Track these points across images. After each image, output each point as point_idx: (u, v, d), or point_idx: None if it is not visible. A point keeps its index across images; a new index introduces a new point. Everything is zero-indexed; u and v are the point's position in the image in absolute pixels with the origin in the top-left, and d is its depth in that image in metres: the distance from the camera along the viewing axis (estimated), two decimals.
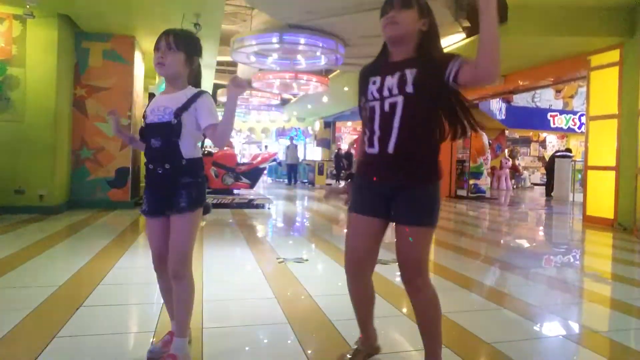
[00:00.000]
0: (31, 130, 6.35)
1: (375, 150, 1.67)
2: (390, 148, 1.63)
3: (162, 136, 1.86)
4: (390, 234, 1.76)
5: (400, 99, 1.61)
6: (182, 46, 1.89)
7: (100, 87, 7.27)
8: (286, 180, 16.57)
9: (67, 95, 7.00)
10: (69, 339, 2.14)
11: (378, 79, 1.67)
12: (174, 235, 1.88)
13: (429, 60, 1.62)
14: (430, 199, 1.67)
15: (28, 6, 5.80)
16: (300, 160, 17.42)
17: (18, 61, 6.33)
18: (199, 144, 1.99)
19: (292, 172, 16.31)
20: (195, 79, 1.99)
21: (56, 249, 4.23)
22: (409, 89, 1.59)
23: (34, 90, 6.37)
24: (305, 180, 16.65)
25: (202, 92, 1.91)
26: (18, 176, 6.29)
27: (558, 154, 13.90)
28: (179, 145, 1.86)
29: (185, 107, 1.86)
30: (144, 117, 1.93)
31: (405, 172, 1.64)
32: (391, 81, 1.63)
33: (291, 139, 17.48)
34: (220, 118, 1.86)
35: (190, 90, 1.92)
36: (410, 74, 1.60)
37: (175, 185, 1.87)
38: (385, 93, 1.64)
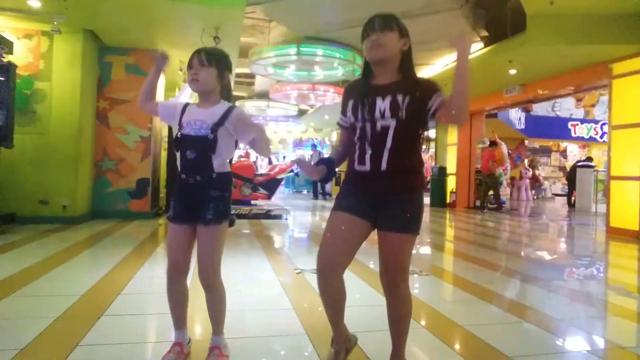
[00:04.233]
0: (56, 142, 6.52)
1: (366, 167, 1.75)
2: (383, 165, 1.72)
3: (197, 149, 1.93)
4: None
5: (393, 123, 1.70)
6: (214, 62, 1.98)
7: (122, 100, 7.43)
8: (309, 192, 15.15)
9: (91, 108, 7.18)
10: (90, 348, 2.17)
11: (369, 101, 1.75)
12: (202, 247, 1.96)
13: (415, 86, 1.73)
14: (416, 208, 1.78)
15: (55, 22, 5.99)
16: None
17: (45, 75, 6.53)
18: (229, 160, 2.05)
19: (317, 183, 14.69)
20: (227, 94, 2.07)
21: (78, 259, 4.32)
22: (402, 114, 1.69)
23: (59, 104, 6.56)
24: (321, 191, 16.59)
25: (234, 107, 2.00)
26: (42, 187, 6.45)
27: (580, 163, 13.64)
28: (212, 158, 1.94)
29: (220, 122, 1.94)
30: (180, 126, 1.99)
31: (396, 185, 1.74)
32: (382, 104, 1.72)
33: (314, 146, 16.89)
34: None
35: (223, 106, 2.00)
36: (401, 99, 1.70)
37: (204, 197, 1.94)
38: (377, 115, 1.72)
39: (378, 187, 1.75)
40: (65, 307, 2.74)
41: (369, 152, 1.73)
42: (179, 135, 1.98)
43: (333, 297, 1.85)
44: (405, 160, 1.74)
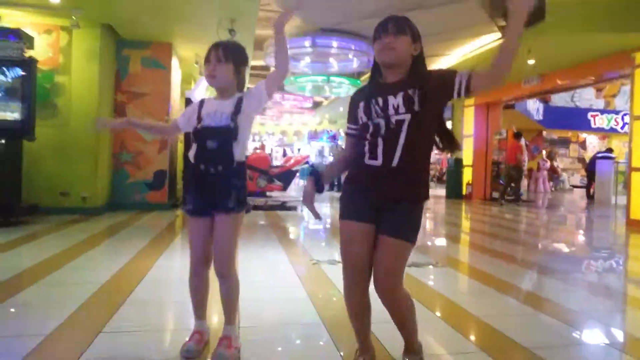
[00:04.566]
0: (75, 134, 6.64)
1: (378, 162, 1.71)
2: (395, 161, 1.68)
3: (219, 139, 1.96)
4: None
5: (407, 117, 1.68)
6: (231, 58, 2.00)
7: (140, 93, 7.52)
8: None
9: (109, 101, 7.29)
10: (112, 335, 2.23)
11: (380, 100, 1.72)
12: (220, 235, 1.98)
13: (428, 79, 1.72)
14: (418, 218, 1.78)
15: (74, 17, 6.08)
16: None
17: (64, 69, 6.65)
18: (246, 149, 2.10)
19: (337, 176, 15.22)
20: (241, 87, 2.09)
21: (99, 249, 4.42)
22: (417, 107, 1.67)
23: (78, 97, 6.67)
24: (336, 183, 16.61)
25: (245, 93, 2.05)
26: (63, 179, 6.59)
27: (600, 155, 13.39)
28: (233, 147, 1.97)
29: (237, 110, 1.98)
30: (199, 119, 2.01)
31: (405, 186, 1.71)
32: (395, 100, 1.70)
33: (333, 138, 16.75)
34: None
35: (238, 95, 2.04)
36: (414, 93, 1.68)
37: (225, 187, 1.97)
38: (391, 111, 1.69)
39: (383, 189, 1.72)
40: (87, 296, 2.81)
41: (381, 146, 1.70)
42: (198, 127, 2.00)
43: (364, 310, 1.82)
44: (416, 159, 1.72)
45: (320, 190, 1.88)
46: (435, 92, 1.69)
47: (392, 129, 1.69)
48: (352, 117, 1.85)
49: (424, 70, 1.77)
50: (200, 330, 2.10)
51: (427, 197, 1.79)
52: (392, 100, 1.70)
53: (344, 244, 1.79)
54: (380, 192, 1.73)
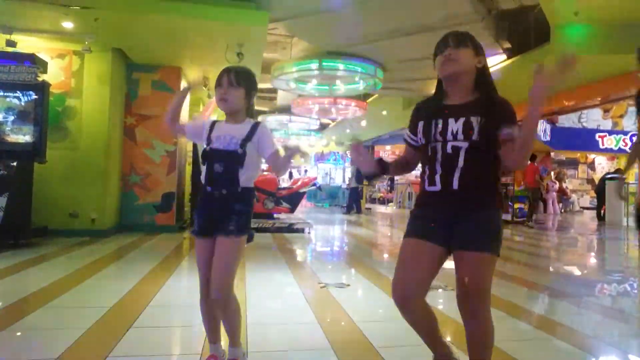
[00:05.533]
0: (85, 157, 6.71)
1: (437, 187, 1.67)
2: (455, 185, 1.64)
3: (226, 163, 1.98)
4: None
5: (465, 145, 1.63)
6: (243, 82, 2.04)
7: (149, 116, 7.62)
8: (333, 205, 15.48)
9: (119, 124, 7.39)
10: (120, 359, 2.21)
11: (440, 122, 1.68)
12: (219, 258, 1.96)
13: (492, 107, 1.65)
14: (493, 225, 1.66)
15: (87, 42, 6.22)
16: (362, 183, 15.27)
17: (76, 93, 6.77)
18: (255, 176, 2.08)
19: (355, 197, 14.75)
20: (251, 112, 2.13)
21: (107, 271, 4.41)
22: (475, 137, 1.62)
23: (89, 120, 6.77)
24: (345, 205, 16.59)
25: (259, 123, 2.08)
26: (72, 200, 6.63)
27: (608, 175, 13.29)
28: (239, 173, 1.98)
29: (248, 137, 2.01)
30: (209, 141, 2.03)
31: (469, 202, 1.65)
32: (455, 126, 1.65)
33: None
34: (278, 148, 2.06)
35: (249, 122, 2.07)
36: (475, 121, 1.63)
37: (227, 210, 1.98)
38: (449, 136, 1.65)
39: (450, 205, 1.67)
40: (95, 319, 2.79)
41: (439, 172, 1.66)
42: (207, 149, 2.03)
43: (421, 324, 1.76)
44: (478, 179, 1.65)
45: (376, 173, 1.88)
46: (495, 123, 1.62)
47: (448, 154, 1.65)
48: (412, 127, 1.82)
49: (488, 87, 1.70)
50: (215, 354, 2.07)
51: (500, 205, 1.72)
52: (452, 124, 1.65)
53: (400, 260, 1.73)
54: (446, 210, 1.67)
